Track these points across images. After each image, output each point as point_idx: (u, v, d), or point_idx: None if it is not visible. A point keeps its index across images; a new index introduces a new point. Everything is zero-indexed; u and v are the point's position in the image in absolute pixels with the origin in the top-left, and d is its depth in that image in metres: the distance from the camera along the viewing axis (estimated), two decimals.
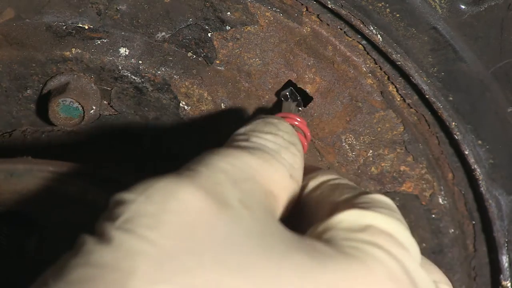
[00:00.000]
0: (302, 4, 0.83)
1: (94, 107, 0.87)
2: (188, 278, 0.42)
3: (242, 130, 0.61)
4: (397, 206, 0.93)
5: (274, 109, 0.87)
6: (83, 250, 0.45)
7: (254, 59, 0.86)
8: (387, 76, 0.86)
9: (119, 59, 0.86)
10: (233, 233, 0.45)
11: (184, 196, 0.47)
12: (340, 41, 0.85)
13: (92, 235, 0.46)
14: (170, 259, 0.42)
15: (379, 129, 0.88)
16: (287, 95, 0.85)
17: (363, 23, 0.81)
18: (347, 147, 0.89)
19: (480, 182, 0.88)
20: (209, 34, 0.85)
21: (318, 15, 0.83)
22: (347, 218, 0.52)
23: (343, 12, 0.80)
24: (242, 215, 0.47)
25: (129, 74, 0.86)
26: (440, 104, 0.84)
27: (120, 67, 0.86)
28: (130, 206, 0.46)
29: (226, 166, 0.52)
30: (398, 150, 0.90)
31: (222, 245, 0.44)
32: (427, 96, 0.84)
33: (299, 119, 0.75)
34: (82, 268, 0.43)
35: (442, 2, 0.79)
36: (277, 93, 0.87)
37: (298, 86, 0.87)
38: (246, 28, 0.85)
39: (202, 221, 0.45)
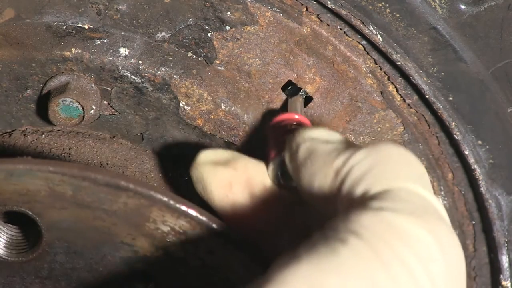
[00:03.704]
0: (302, 4, 0.83)
1: (94, 107, 0.87)
2: None
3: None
4: None
5: (283, 110, 0.86)
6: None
7: (254, 59, 0.86)
8: (387, 76, 0.86)
9: (119, 59, 0.86)
10: None
11: None
12: (340, 41, 0.85)
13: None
14: None
15: (379, 129, 0.88)
16: (289, 90, 0.85)
17: (363, 23, 0.81)
18: None
19: (480, 182, 0.88)
20: (209, 34, 0.85)
21: (318, 15, 0.83)
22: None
23: (343, 12, 0.80)
24: None
25: (129, 74, 0.86)
26: (440, 104, 0.84)
27: (120, 67, 0.86)
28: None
29: None
30: None
31: None
32: (427, 96, 0.84)
33: (297, 117, 0.73)
34: None
35: (442, 2, 0.79)
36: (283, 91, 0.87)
37: (298, 86, 0.87)
38: (246, 28, 0.85)
39: None
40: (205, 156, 0.65)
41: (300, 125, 0.70)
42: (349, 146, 0.57)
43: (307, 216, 0.65)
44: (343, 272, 0.44)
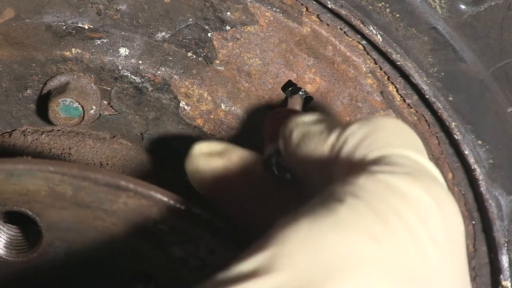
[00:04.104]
0: (302, 4, 0.83)
1: (94, 107, 0.87)
2: None
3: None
4: None
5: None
6: None
7: (254, 59, 0.86)
8: (387, 76, 0.86)
9: (119, 59, 0.86)
10: None
11: None
12: (340, 41, 0.85)
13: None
14: None
15: None
16: (290, 91, 0.85)
17: (363, 23, 0.81)
18: None
19: (480, 182, 0.88)
20: (209, 34, 0.85)
21: (318, 15, 0.83)
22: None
23: (343, 12, 0.80)
24: None
25: (129, 74, 0.86)
26: (440, 104, 0.84)
27: (120, 67, 0.86)
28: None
29: None
30: None
31: None
32: (427, 96, 0.84)
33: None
34: None
35: (442, 2, 0.79)
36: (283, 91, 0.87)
37: (298, 86, 0.87)
38: (246, 28, 0.85)
39: None
40: (200, 148, 0.65)
41: (292, 114, 0.71)
42: (341, 123, 0.57)
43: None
44: (342, 228, 0.45)
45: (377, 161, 0.51)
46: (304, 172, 0.59)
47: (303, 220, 0.46)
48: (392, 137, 0.53)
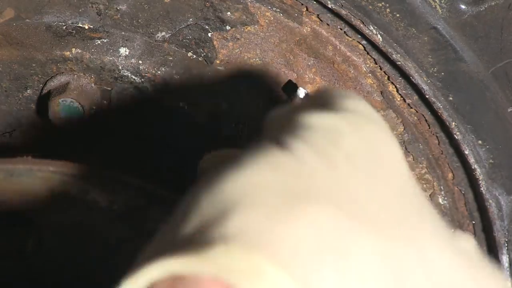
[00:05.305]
0: (302, 4, 0.83)
1: (94, 107, 0.87)
2: None
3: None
4: None
5: None
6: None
7: (254, 59, 0.86)
8: (387, 76, 0.86)
9: (119, 59, 0.86)
10: None
11: None
12: (340, 41, 0.85)
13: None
14: None
15: None
16: (289, 92, 0.85)
17: (363, 23, 0.81)
18: None
19: (480, 182, 0.88)
20: (209, 34, 0.85)
21: (318, 15, 0.83)
22: None
23: (343, 12, 0.80)
24: None
25: (129, 74, 0.86)
26: (440, 104, 0.84)
27: (120, 67, 0.86)
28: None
29: None
30: None
31: None
32: (427, 96, 0.84)
33: None
34: None
35: (442, 2, 0.79)
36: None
37: (298, 86, 0.87)
38: (246, 28, 0.85)
39: None
40: (209, 156, 0.66)
41: None
42: None
43: None
44: (243, 163, 0.45)
45: None
46: None
47: (219, 164, 0.46)
48: (334, 93, 0.53)
